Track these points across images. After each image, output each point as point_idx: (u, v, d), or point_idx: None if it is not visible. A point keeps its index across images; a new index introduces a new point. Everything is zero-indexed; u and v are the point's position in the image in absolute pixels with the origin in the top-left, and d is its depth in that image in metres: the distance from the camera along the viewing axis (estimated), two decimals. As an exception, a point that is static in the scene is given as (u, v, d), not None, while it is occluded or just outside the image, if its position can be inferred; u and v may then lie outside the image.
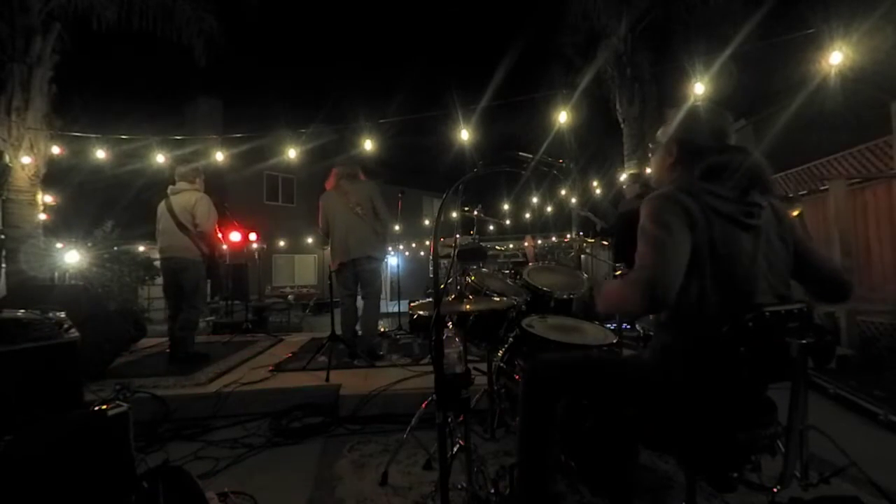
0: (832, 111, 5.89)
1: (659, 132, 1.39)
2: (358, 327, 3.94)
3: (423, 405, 2.23)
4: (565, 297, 2.30)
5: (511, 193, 12.61)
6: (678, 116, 1.32)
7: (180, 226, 3.64)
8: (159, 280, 5.82)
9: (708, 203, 1.15)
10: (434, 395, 1.39)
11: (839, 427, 2.44)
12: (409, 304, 2.81)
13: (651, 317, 1.30)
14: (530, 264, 2.94)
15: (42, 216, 6.12)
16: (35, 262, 5.61)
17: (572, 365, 1.41)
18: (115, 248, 9.22)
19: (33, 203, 5.83)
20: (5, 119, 5.57)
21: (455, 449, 1.76)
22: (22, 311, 1.75)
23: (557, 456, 1.51)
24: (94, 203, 11.22)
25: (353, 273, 3.76)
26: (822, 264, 1.30)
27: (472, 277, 2.31)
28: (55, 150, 6.02)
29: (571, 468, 1.62)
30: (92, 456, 1.41)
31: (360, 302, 3.96)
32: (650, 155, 1.42)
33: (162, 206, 3.74)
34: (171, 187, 3.81)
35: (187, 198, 3.70)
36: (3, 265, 5.56)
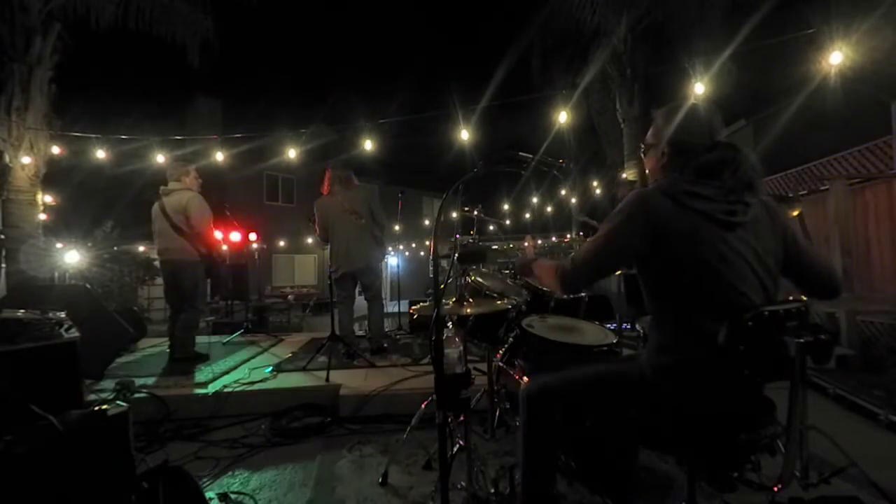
0: (832, 111, 5.88)
1: (649, 133, 1.40)
2: (365, 328, 3.98)
3: (423, 405, 2.23)
4: (565, 297, 2.29)
5: (511, 194, 12.60)
6: (673, 117, 1.31)
7: (175, 227, 3.58)
8: (159, 280, 5.82)
9: (686, 203, 1.17)
10: (434, 395, 1.39)
11: (839, 427, 2.44)
12: (410, 305, 2.82)
13: (649, 316, 1.30)
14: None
15: (42, 216, 6.11)
16: (35, 262, 5.59)
17: (571, 387, 1.39)
18: (115, 248, 9.25)
19: (33, 203, 5.82)
20: (5, 119, 5.57)
21: (455, 449, 1.76)
22: (22, 311, 1.75)
23: (557, 460, 1.51)
24: (94, 203, 11.22)
25: (354, 279, 3.85)
26: (813, 261, 1.31)
27: (472, 278, 2.30)
28: (55, 150, 6.00)
29: (571, 468, 1.61)
30: (92, 456, 1.41)
31: (358, 302, 3.99)
32: (642, 155, 1.43)
33: (156, 208, 3.68)
34: (162, 188, 3.73)
35: (179, 197, 3.63)
36: (3, 265, 5.56)
